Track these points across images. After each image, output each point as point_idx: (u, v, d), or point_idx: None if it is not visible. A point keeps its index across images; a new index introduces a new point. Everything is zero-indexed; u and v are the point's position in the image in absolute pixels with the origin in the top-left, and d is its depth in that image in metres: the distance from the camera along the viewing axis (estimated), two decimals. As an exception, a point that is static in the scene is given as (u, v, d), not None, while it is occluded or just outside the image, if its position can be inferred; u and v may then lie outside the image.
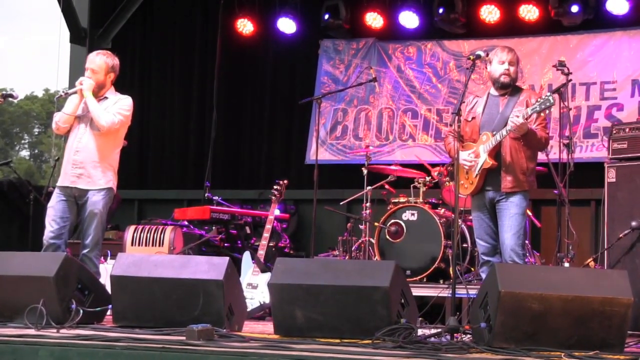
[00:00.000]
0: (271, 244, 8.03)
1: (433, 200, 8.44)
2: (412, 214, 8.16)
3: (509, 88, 6.09)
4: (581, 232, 8.00)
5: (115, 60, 6.65)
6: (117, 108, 6.50)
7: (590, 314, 4.67)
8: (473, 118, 6.12)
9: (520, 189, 5.95)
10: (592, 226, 9.20)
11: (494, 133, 5.94)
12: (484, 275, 6.01)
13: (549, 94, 5.85)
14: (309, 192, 8.55)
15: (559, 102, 6.96)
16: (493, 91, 6.17)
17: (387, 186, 8.62)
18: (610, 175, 6.46)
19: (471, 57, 5.82)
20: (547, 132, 6.07)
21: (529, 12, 9.87)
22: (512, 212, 5.92)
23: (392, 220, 8.20)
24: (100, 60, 6.59)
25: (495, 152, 5.96)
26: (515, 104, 6.01)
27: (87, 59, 6.67)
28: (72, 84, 6.68)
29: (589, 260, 6.92)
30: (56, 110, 6.73)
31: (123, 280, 5.48)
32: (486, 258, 6.08)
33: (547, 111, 5.92)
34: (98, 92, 6.53)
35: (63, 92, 6.79)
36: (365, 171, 8.40)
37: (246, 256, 7.53)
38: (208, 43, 11.62)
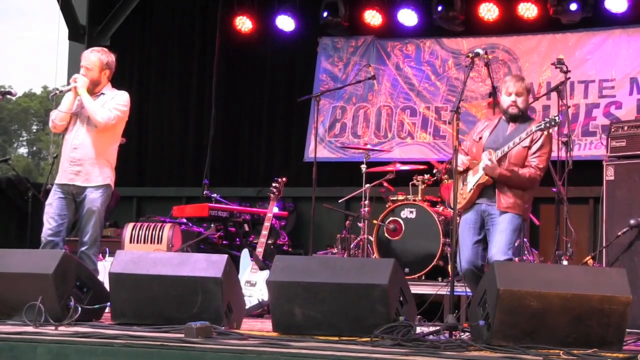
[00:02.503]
0: (270, 242, 8.02)
1: (432, 198, 8.43)
2: (411, 212, 8.16)
3: (518, 119, 5.97)
4: (580, 230, 8.01)
5: (110, 57, 6.63)
6: (114, 103, 6.49)
7: (589, 312, 4.67)
8: (480, 138, 6.05)
9: (513, 211, 5.81)
10: (591, 224, 9.21)
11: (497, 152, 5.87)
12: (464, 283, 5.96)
13: (556, 115, 5.81)
14: (307, 190, 8.55)
15: (557, 100, 6.97)
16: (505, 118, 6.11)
17: (385, 184, 8.62)
18: (609, 173, 6.46)
19: (470, 54, 5.81)
20: (540, 168, 5.84)
21: (528, 10, 9.88)
22: (501, 227, 5.78)
23: (391, 218, 8.21)
24: (95, 58, 6.57)
25: None
26: (523, 131, 5.91)
27: (82, 57, 6.67)
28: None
29: (587, 258, 6.92)
30: (54, 107, 6.72)
31: (121, 278, 5.48)
32: (464, 275, 5.91)
33: (551, 130, 5.83)
34: (93, 89, 6.52)
35: (57, 89, 6.77)
36: (363, 169, 8.39)
37: (245, 254, 7.54)
38: (207, 40, 11.61)
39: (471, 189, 5.92)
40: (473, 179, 5.93)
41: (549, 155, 5.96)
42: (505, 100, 5.99)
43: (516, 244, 5.97)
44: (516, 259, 6.08)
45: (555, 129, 6.25)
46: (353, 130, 10.75)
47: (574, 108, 9.36)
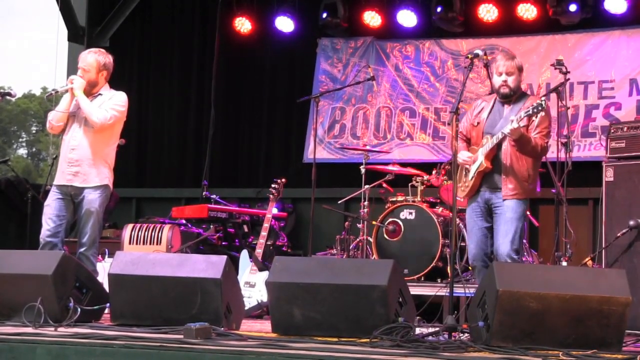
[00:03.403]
0: (269, 243, 8.03)
1: (431, 199, 8.43)
2: (410, 213, 8.16)
3: (510, 98, 5.99)
4: (579, 231, 8.00)
5: (107, 58, 6.63)
6: (111, 104, 6.50)
7: (588, 313, 4.67)
8: (478, 123, 6.07)
9: (518, 197, 5.88)
10: (590, 225, 9.20)
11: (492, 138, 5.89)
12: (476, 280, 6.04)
13: (542, 98, 5.80)
14: (306, 191, 8.54)
15: (557, 101, 6.96)
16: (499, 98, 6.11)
17: (385, 185, 8.62)
18: (608, 175, 6.46)
19: (469, 55, 5.80)
20: (545, 141, 5.94)
21: (527, 11, 9.88)
22: (507, 217, 5.85)
23: (390, 219, 8.20)
24: (91, 59, 6.58)
25: (493, 156, 5.92)
26: (519, 111, 5.93)
27: (79, 58, 6.66)
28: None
29: (586, 259, 6.92)
30: (53, 109, 6.72)
31: (121, 279, 5.48)
32: (474, 264, 6.07)
33: (539, 115, 5.82)
34: (91, 90, 6.52)
35: (53, 90, 6.76)
36: (363, 170, 8.39)
37: (244, 255, 7.53)
38: (206, 41, 11.61)
39: (472, 177, 5.96)
40: (473, 166, 5.96)
41: (549, 129, 6.01)
42: (496, 80, 6.01)
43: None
44: (524, 241, 6.06)
45: (555, 129, 6.24)
46: (352, 131, 10.75)
47: (574, 109, 9.36)
